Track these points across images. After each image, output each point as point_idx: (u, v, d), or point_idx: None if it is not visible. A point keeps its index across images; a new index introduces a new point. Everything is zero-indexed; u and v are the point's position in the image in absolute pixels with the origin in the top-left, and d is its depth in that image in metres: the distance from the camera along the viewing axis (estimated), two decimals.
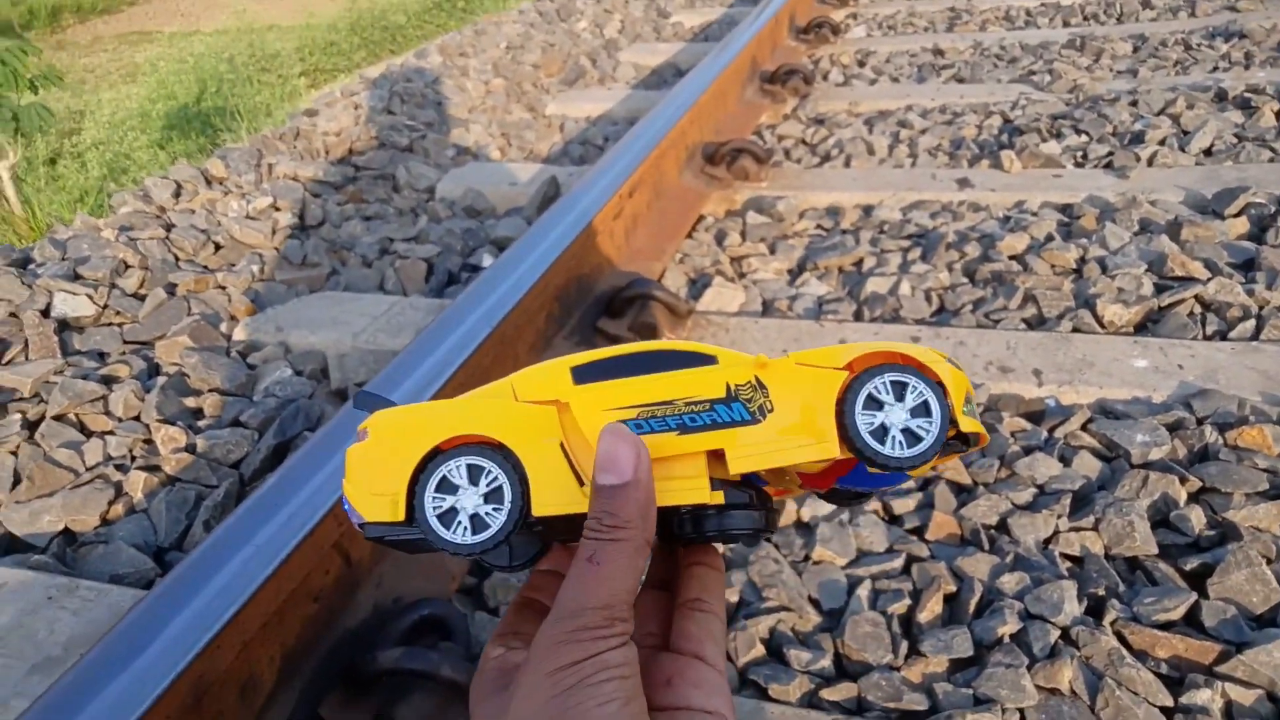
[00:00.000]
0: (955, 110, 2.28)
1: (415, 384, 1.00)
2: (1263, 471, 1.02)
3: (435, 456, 0.41)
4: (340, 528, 0.83)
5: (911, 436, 0.39)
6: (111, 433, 1.25)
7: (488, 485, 0.40)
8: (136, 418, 1.28)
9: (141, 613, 0.72)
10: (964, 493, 1.07)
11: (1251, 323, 1.29)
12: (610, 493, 0.36)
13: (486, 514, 0.39)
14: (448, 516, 0.40)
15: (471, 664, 0.81)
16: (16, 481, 1.17)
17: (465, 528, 0.39)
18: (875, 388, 0.39)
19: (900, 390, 0.39)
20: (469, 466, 0.40)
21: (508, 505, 0.39)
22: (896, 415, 0.39)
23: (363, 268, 1.74)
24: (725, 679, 0.40)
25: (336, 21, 8.82)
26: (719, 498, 0.41)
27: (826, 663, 0.87)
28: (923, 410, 0.39)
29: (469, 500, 0.40)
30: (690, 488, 0.40)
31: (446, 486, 0.40)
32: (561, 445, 0.40)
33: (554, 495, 0.39)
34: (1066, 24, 3.00)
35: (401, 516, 0.40)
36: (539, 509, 0.39)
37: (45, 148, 5.26)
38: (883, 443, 0.39)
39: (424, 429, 0.41)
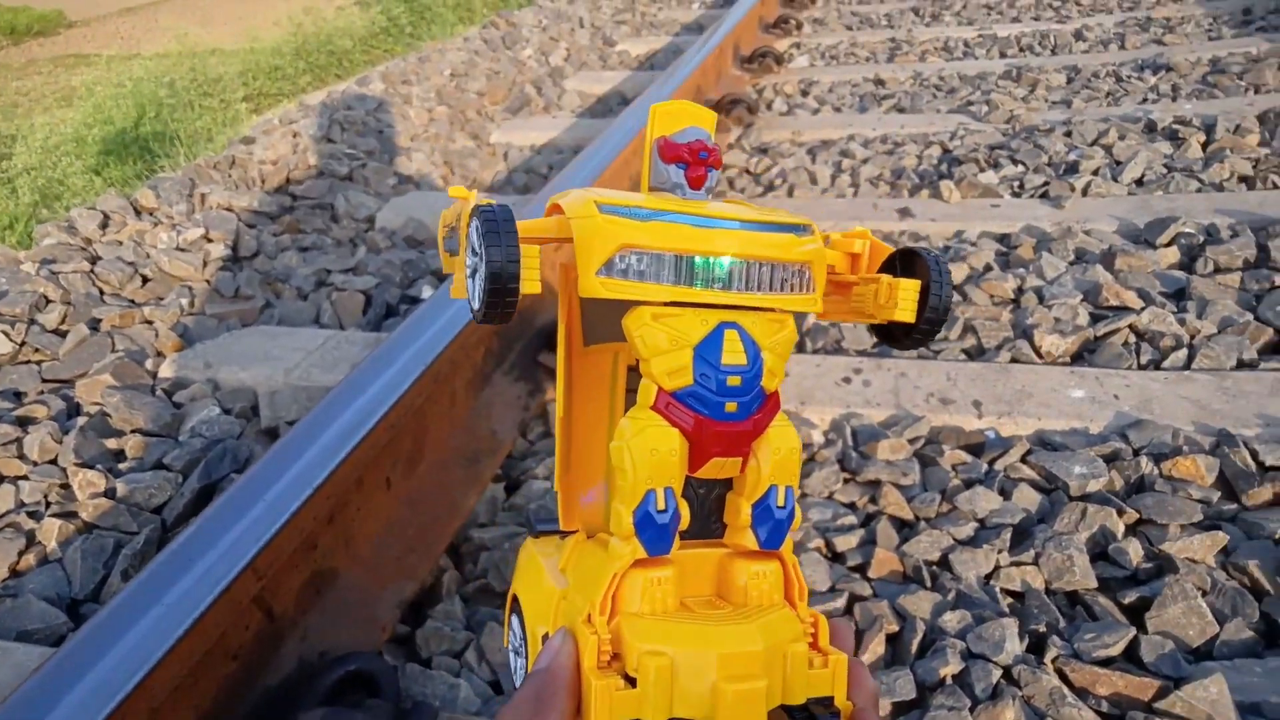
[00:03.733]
0: (896, 140, 2.31)
1: (344, 425, 0.97)
2: (1196, 502, 1.03)
3: (513, 602, 0.46)
4: (260, 581, 0.79)
5: (476, 285, 0.36)
6: (25, 477, 1.19)
7: (520, 645, 0.45)
8: (53, 461, 1.22)
9: (42, 679, 0.67)
10: (906, 528, 1.07)
11: (1184, 352, 1.31)
12: (521, 682, 0.40)
13: (523, 671, 0.44)
14: (515, 658, 0.46)
15: None
16: None
17: (517, 673, 0.45)
18: (471, 231, 0.36)
19: (478, 237, 0.35)
20: (517, 623, 0.45)
21: (521, 668, 0.44)
22: (481, 266, 0.35)
23: (298, 300, 1.70)
24: None
25: (281, 46, 8.71)
26: None
27: None
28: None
29: (520, 649, 0.45)
30: None
31: (513, 632, 0.46)
32: (544, 636, 0.41)
33: None
34: (1003, 55, 3.07)
35: (505, 643, 0.47)
36: None
37: None
38: (472, 288, 0.36)
39: (520, 573, 0.46)
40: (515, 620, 0.44)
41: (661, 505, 0.35)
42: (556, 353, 0.43)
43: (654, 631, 0.35)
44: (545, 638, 0.39)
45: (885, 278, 0.40)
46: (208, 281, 1.70)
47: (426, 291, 1.70)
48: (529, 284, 0.34)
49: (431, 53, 3.26)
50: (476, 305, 0.35)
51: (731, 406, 0.36)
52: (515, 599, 0.44)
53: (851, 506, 1.11)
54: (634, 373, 0.42)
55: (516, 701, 0.35)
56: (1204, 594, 0.92)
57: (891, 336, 0.43)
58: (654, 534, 0.35)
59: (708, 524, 0.40)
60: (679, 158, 0.37)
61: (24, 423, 1.28)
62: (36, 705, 0.65)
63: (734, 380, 0.36)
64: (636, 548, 0.35)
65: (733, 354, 0.36)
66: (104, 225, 1.83)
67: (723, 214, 0.37)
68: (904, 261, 0.41)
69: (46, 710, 0.65)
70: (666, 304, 0.35)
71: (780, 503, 0.37)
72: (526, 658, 0.42)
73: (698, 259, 0.35)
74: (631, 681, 0.34)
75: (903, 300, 0.39)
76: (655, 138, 0.38)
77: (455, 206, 0.40)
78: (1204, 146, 2.01)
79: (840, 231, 0.43)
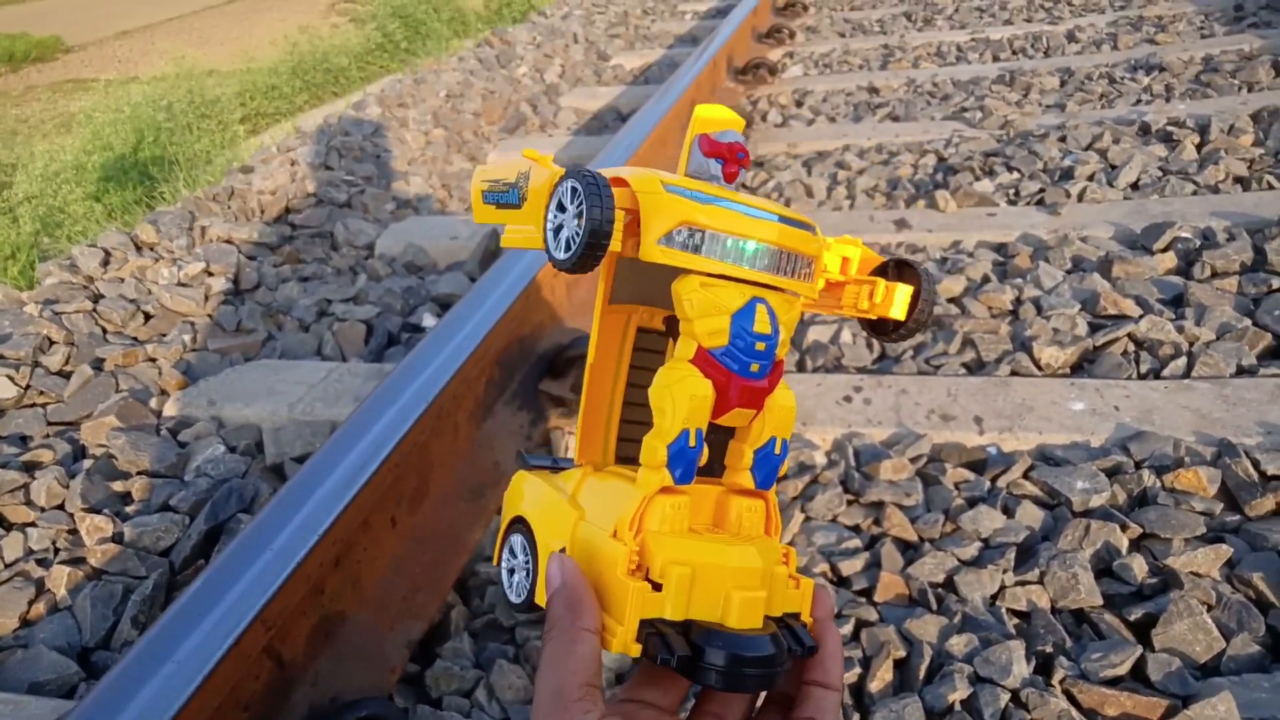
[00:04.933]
0: (891, 150, 2.31)
1: (349, 466, 0.97)
2: (1199, 515, 1.04)
3: (514, 523, 0.50)
4: (269, 632, 0.80)
5: (569, 242, 0.41)
6: (33, 524, 1.19)
7: (525, 562, 0.48)
8: (60, 506, 1.23)
9: None
10: (910, 549, 1.07)
11: (1183, 360, 1.32)
12: (547, 602, 0.42)
13: (523, 585, 0.48)
14: (509, 575, 0.49)
15: None
16: None
17: (514, 590, 0.49)
18: (562, 191, 0.41)
19: (574, 196, 0.41)
20: (521, 542, 0.48)
21: (530, 584, 0.47)
22: (569, 221, 0.41)
23: (300, 332, 1.71)
24: None
25: (277, 65, 8.74)
26: (635, 650, 0.40)
27: None
28: (580, 219, 0.40)
29: (519, 569, 0.48)
30: (609, 630, 0.40)
31: (511, 553, 0.49)
32: (562, 550, 0.44)
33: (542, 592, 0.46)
34: (996, 58, 3.07)
35: (495, 562, 0.51)
36: (539, 599, 0.45)
37: None
38: (555, 241, 0.42)
39: (516, 498, 0.50)
40: (517, 540, 0.48)
41: (693, 443, 0.42)
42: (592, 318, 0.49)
43: (677, 547, 0.41)
44: (562, 552, 0.44)
45: (882, 281, 0.48)
46: (210, 316, 1.71)
47: (428, 319, 1.71)
48: (616, 242, 0.40)
49: (427, 74, 3.27)
50: (564, 256, 0.41)
51: (755, 367, 0.42)
52: (521, 520, 0.48)
53: (856, 529, 1.11)
54: (642, 333, 0.51)
55: (554, 617, 0.41)
56: (1209, 609, 0.93)
57: (879, 330, 0.50)
58: (685, 466, 0.42)
59: (713, 467, 0.46)
60: (719, 154, 0.44)
61: (30, 468, 1.29)
62: None
63: (760, 345, 0.42)
64: (666, 477, 0.42)
65: (762, 324, 0.42)
66: (105, 263, 1.84)
67: (761, 205, 0.43)
68: (897, 269, 0.48)
69: None
70: (713, 275, 0.42)
71: (777, 450, 0.45)
72: (533, 572, 0.47)
73: (745, 242, 0.42)
74: (656, 586, 0.40)
75: (898, 301, 0.47)
76: (697, 134, 0.44)
77: (512, 164, 0.46)
78: (1198, 148, 2.01)
79: (834, 238, 0.49)
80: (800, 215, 0.45)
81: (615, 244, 0.40)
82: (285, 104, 8.25)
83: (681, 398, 0.41)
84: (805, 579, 0.45)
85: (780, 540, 0.46)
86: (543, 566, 0.45)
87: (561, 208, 0.41)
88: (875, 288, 0.47)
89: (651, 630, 0.40)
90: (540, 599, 0.44)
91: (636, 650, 0.40)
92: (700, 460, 0.43)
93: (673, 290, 0.42)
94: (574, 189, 0.40)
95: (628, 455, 0.51)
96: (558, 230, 0.42)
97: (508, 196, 0.47)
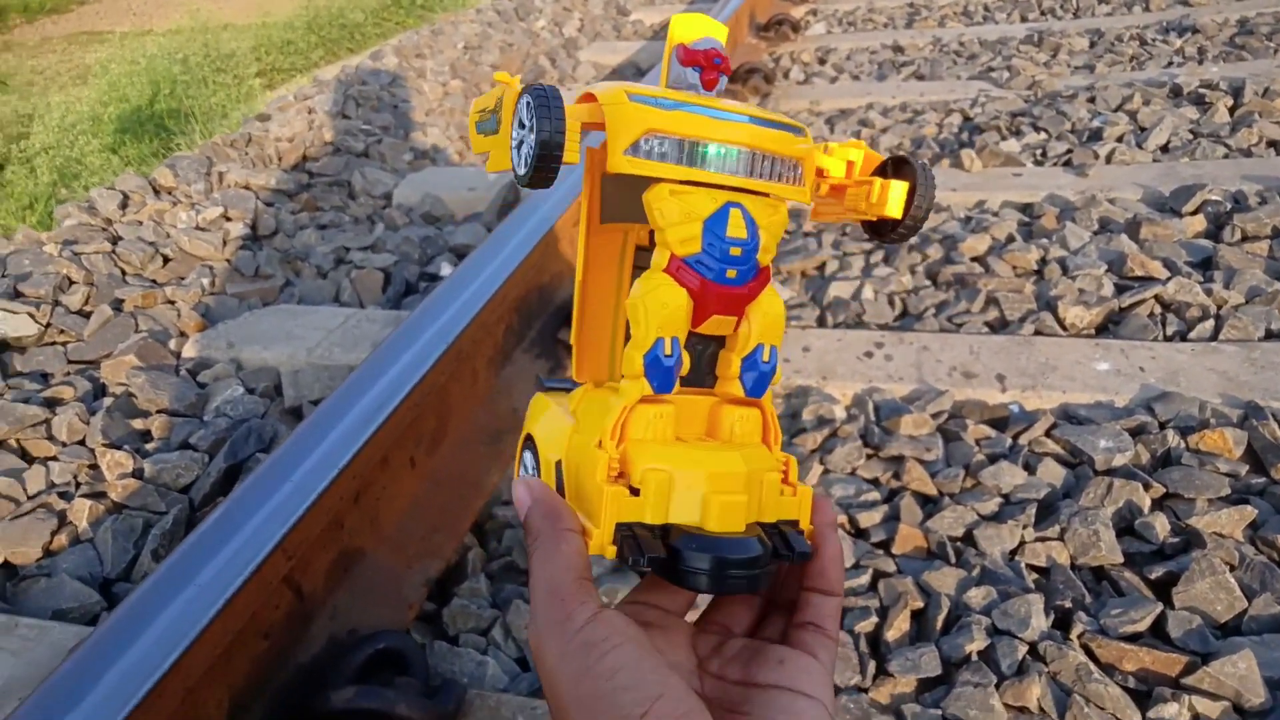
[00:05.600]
0: (916, 108, 2.27)
1: (368, 405, 0.97)
2: (1224, 476, 1.02)
3: (527, 440, 0.50)
4: (290, 561, 0.80)
5: (527, 158, 0.40)
6: (55, 458, 1.20)
7: (529, 474, 0.49)
8: (81, 442, 1.24)
9: (78, 661, 0.68)
10: (930, 504, 1.06)
11: (1210, 323, 1.30)
12: (524, 521, 0.43)
13: None
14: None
15: (429, 700, 0.79)
16: None
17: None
18: (520, 107, 0.41)
19: (529, 111, 0.40)
20: (530, 458, 0.49)
21: None
22: (528, 136, 0.40)
23: (318, 279, 1.70)
24: (832, 678, 0.43)
25: (293, 20, 8.66)
26: (611, 553, 0.40)
27: None
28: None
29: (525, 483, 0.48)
30: (587, 537, 0.41)
31: (524, 469, 0.50)
32: (558, 463, 0.45)
33: None
34: (1024, 19, 3.01)
35: (516, 475, 0.51)
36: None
37: None
38: (518, 157, 0.41)
39: (530, 417, 0.50)
40: (529, 455, 0.49)
41: (668, 351, 0.42)
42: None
43: (655, 453, 0.41)
44: (559, 464, 0.45)
45: (877, 179, 0.46)
46: (228, 261, 1.71)
47: (445, 269, 1.70)
48: (570, 154, 0.40)
49: (445, 25, 3.24)
50: (522, 171, 0.41)
51: (731, 273, 0.42)
52: (530, 437, 0.49)
53: (875, 482, 1.10)
54: (641, 251, 0.50)
55: (534, 529, 0.42)
56: (1232, 569, 0.92)
57: (879, 231, 0.48)
58: (660, 375, 0.42)
59: (703, 377, 0.45)
60: (695, 62, 0.43)
61: (52, 404, 1.30)
62: (75, 685, 0.66)
63: (735, 250, 0.42)
64: (644, 386, 0.42)
65: (735, 228, 0.42)
66: (124, 205, 1.83)
67: (734, 109, 0.42)
68: (895, 167, 0.47)
69: (86, 690, 0.66)
70: (682, 182, 0.41)
71: (765, 358, 0.44)
72: None
73: (711, 145, 0.41)
74: (635, 492, 0.40)
75: (893, 198, 0.45)
76: (675, 44, 0.44)
77: (494, 90, 0.45)
78: (1231, 111, 1.97)
79: (839, 142, 0.48)
80: (785, 118, 0.44)
81: (572, 156, 0.40)
82: (301, 59, 8.18)
83: (654, 306, 0.41)
84: (804, 487, 0.44)
85: (779, 447, 0.46)
86: (543, 477, 0.46)
87: (521, 124, 0.41)
88: (871, 187, 0.46)
89: (627, 533, 0.40)
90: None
91: (612, 552, 0.40)
92: (682, 370, 0.43)
93: (643, 200, 0.42)
94: (528, 104, 0.40)
95: None
96: (519, 146, 0.41)
97: (489, 123, 0.46)
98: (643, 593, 0.46)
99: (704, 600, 0.48)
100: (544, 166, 0.39)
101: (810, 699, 0.40)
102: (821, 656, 0.43)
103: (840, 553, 0.45)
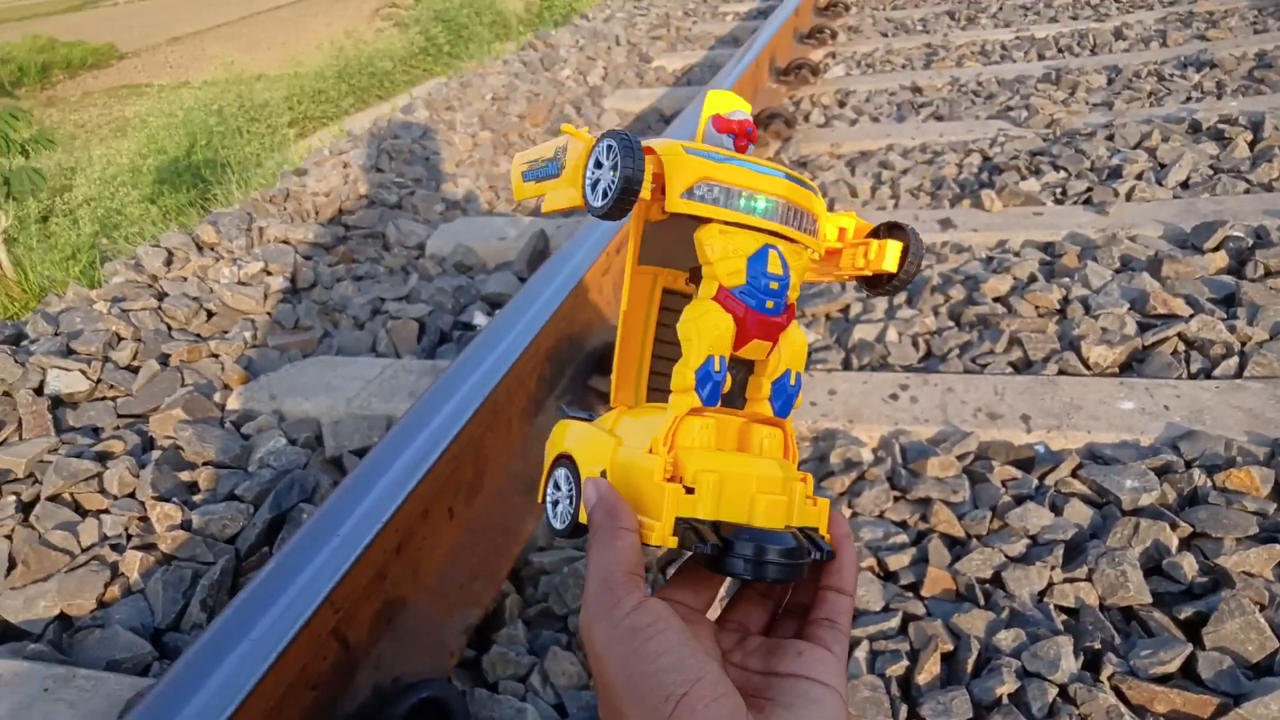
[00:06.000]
0: (935, 149, 2.31)
1: (409, 458, 1.01)
2: (1252, 514, 1.03)
3: (558, 461, 0.54)
4: (337, 614, 0.83)
5: (606, 191, 0.46)
6: (107, 511, 1.25)
7: (569, 491, 0.52)
8: (132, 494, 1.28)
9: (140, 715, 0.72)
10: (957, 545, 1.08)
11: (1235, 360, 1.31)
12: (589, 516, 0.47)
13: (567, 512, 0.52)
14: (554, 507, 0.53)
15: None
16: (11, 566, 1.17)
17: (559, 518, 0.53)
18: (599, 150, 0.47)
19: (609, 153, 0.46)
20: (565, 475, 0.53)
21: (574, 508, 0.51)
22: (606, 174, 0.47)
23: (355, 329, 1.75)
24: (845, 669, 0.47)
25: (324, 69, 8.91)
26: (672, 542, 0.44)
27: None
28: (615, 170, 0.46)
29: (562, 499, 0.53)
30: (648, 527, 0.45)
31: (556, 485, 0.54)
32: (603, 472, 0.49)
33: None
34: (1041, 57, 3.04)
35: (540, 499, 0.55)
36: (582, 517, 0.49)
37: (37, 206, 5.28)
38: (593, 194, 0.47)
39: (560, 440, 0.54)
40: (561, 473, 0.53)
41: (718, 368, 0.47)
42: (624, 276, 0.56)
43: (707, 458, 0.47)
44: (604, 473, 0.49)
45: (874, 240, 0.53)
46: (269, 314, 1.77)
47: (478, 317, 1.75)
48: (645, 189, 0.46)
49: (472, 77, 3.32)
50: (600, 203, 0.47)
51: (770, 304, 0.48)
52: (566, 456, 0.53)
53: (903, 525, 1.12)
54: (668, 294, 0.58)
55: (596, 524, 0.46)
56: (1261, 609, 0.93)
57: (873, 285, 0.55)
58: (710, 389, 0.47)
59: (734, 400, 0.51)
60: (729, 130, 0.50)
61: (103, 458, 1.35)
62: None
63: (774, 285, 0.48)
64: (693, 399, 0.47)
65: (774, 266, 0.48)
66: (168, 262, 1.90)
67: (771, 165, 0.49)
68: (888, 230, 0.54)
69: None
70: (730, 224, 0.47)
71: (792, 382, 0.50)
72: (576, 498, 0.51)
73: (757, 195, 0.48)
74: (689, 491, 0.45)
75: (889, 255, 0.53)
76: (710, 115, 0.51)
77: (553, 142, 0.53)
78: (1251, 145, 1.99)
79: (831, 212, 0.54)
80: (803, 175, 0.51)
81: (645, 192, 0.46)
82: (331, 107, 8.40)
83: (706, 327, 0.47)
84: (822, 499, 0.50)
85: (796, 464, 0.51)
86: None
87: (598, 164, 0.47)
88: (869, 247, 0.53)
89: (686, 525, 0.45)
90: (584, 518, 0.48)
91: (673, 542, 0.44)
92: (725, 387, 0.48)
93: (695, 238, 0.48)
94: (609, 146, 0.46)
95: (656, 401, 0.56)
96: (595, 184, 0.47)
97: (547, 169, 0.53)
98: (669, 590, 0.50)
99: (719, 600, 0.52)
100: (624, 199, 0.45)
101: (827, 687, 0.44)
102: (835, 650, 0.47)
103: (855, 558, 0.50)
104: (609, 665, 0.41)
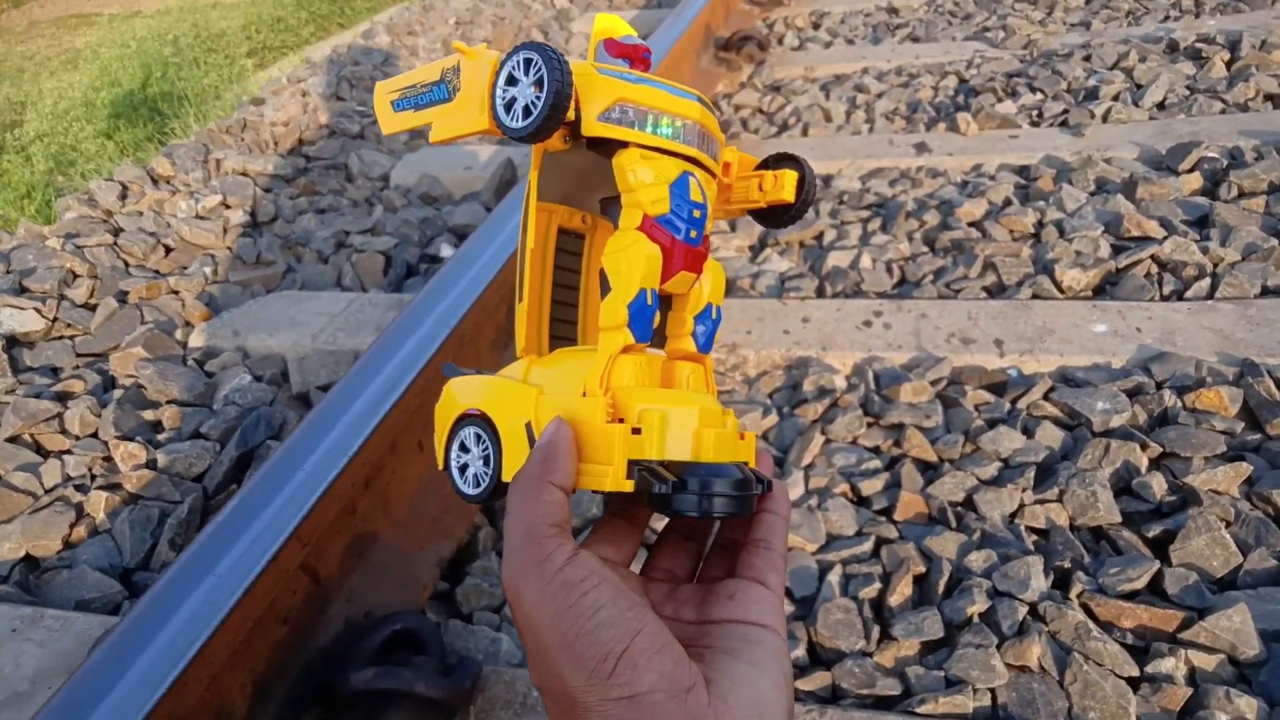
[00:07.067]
0: (911, 71, 2.26)
1: (375, 391, 0.99)
2: (1220, 434, 1.04)
3: (461, 421, 0.49)
4: (305, 548, 0.82)
5: (528, 109, 0.43)
6: (69, 452, 1.22)
7: (482, 451, 0.48)
8: (94, 435, 1.26)
9: (106, 652, 0.70)
10: (930, 470, 1.08)
11: (1207, 281, 1.30)
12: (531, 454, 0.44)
13: (482, 474, 0.48)
14: (461, 472, 0.49)
15: (446, 677, 0.81)
16: None
17: (470, 482, 0.48)
18: (513, 65, 0.43)
19: (528, 67, 0.42)
20: (475, 434, 0.48)
21: (493, 469, 0.47)
22: (525, 91, 0.42)
23: (319, 264, 1.71)
24: (782, 604, 0.45)
25: None
26: (628, 486, 0.42)
27: (800, 652, 0.88)
28: (539, 86, 0.42)
29: (473, 461, 0.48)
30: (599, 474, 0.42)
31: (463, 447, 0.49)
32: (528, 425, 0.45)
33: (514, 465, 0.45)
34: None
35: (441, 466, 0.50)
36: (506, 476, 0.46)
37: None
38: (508, 114, 0.43)
39: (459, 399, 0.49)
40: (470, 433, 0.48)
41: (650, 301, 0.44)
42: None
43: (648, 395, 0.44)
44: (529, 426, 0.45)
45: (768, 171, 0.51)
46: (229, 248, 1.72)
47: (445, 250, 1.71)
48: (570, 110, 0.42)
49: (435, 1, 3.21)
50: (523, 123, 0.43)
51: (694, 234, 0.46)
52: (470, 415, 0.49)
53: (876, 450, 1.12)
54: (563, 234, 0.54)
55: (526, 468, 0.42)
56: (1227, 525, 0.94)
57: (769, 219, 0.53)
58: (643, 324, 0.44)
59: (650, 338, 0.48)
60: (625, 54, 0.47)
61: (63, 398, 1.32)
62: (105, 675, 0.68)
63: (696, 213, 0.45)
64: (627, 336, 0.44)
65: (695, 193, 0.46)
66: (123, 196, 1.84)
67: (684, 87, 0.46)
68: (776, 161, 0.52)
69: (115, 679, 0.68)
70: (650, 148, 0.44)
71: (713, 315, 0.48)
72: (496, 454, 0.47)
73: (676, 118, 0.45)
74: (635, 432, 0.43)
75: (787, 185, 0.50)
76: (601, 38, 0.48)
77: (433, 64, 0.48)
78: (1228, 65, 1.96)
79: None
80: (706, 97, 0.47)
81: (569, 112, 0.42)
82: (291, 36, 8.11)
83: (637, 259, 0.43)
84: (749, 433, 0.48)
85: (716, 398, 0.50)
86: (510, 445, 0.47)
87: (512, 81, 0.43)
88: (763, 179, 0.50)
89: (640, 467, 0.42)
90: (508, 476, 0.45)
91: (629, 485, 0.42)
92: (655, 320, 0.45)
93: (615, 163, 0.44)
94: (528, 60, 0.42)
95: (560, 348, 0.53)
96: (509, 104, 0.43)
97: (432, 94, 0.48)
98: (589, 545, 0.48)
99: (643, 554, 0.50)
100: (554, 116, 0.41)
101: (764, 628, 0.43)
102: (771, 581, 0.45)
103: (785, 486, 0.50)
104: (542, 624, 0.39)
